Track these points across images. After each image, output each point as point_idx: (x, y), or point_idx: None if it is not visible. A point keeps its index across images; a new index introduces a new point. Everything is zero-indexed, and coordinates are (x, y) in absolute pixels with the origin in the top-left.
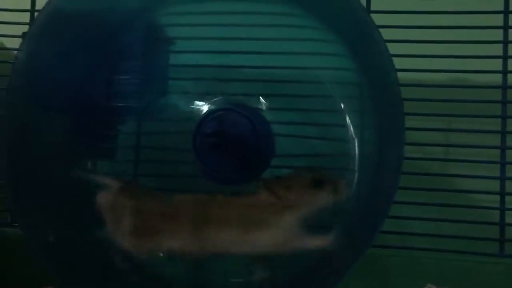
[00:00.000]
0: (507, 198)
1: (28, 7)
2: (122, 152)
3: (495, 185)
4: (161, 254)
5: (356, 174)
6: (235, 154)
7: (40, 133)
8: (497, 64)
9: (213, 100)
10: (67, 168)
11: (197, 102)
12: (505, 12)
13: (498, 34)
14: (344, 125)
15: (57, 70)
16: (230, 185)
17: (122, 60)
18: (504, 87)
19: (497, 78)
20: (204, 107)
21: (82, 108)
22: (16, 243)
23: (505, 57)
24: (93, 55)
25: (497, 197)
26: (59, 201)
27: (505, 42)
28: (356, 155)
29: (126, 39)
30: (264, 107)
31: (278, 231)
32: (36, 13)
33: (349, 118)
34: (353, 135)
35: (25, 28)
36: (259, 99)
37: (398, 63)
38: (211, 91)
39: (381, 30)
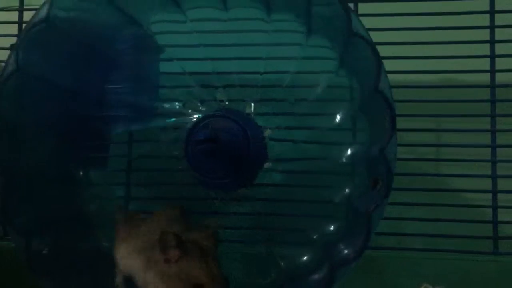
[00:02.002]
0: (499, 196)
1: (16, 19)
2: (114, 161)
3: (487, 184)
4: None
5: (349, 178)
6: (228, 160)
7: (31, 144)
8: (485, 64)
9: (203, 106)
10: (59, 178)
11: (188, 109)
12: (491, 12)
13: (485, 34)
14: (336, 129)
15: (47, 81)
16: (224, 190)
17: (113, 69)
18: (492, 86)
19: (486, 78)
20: (195, 114)
21: (73, 118)
22: (9, 256)
23: (492, 57)
24: (83, 65)
25: (489, 195)
26: (52, 213)
27: (492, 42)
28: (348, 157)
29: (117, 48)
30: (253, 112)
31: None
32: (23, 25)
33: (341, 122)
34: (345, 138)
35: (13, 40)
36: (249, 104)
37: (388, 65)
38: (201, 98)
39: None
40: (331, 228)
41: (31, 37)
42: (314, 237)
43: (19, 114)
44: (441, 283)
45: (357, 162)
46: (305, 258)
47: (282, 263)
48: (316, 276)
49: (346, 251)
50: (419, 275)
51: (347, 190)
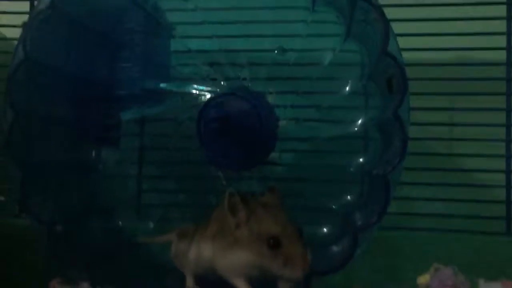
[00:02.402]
0: None
1: None
2: (127, 140)
3: (500, 164)
4: None
5: (361, 157)
6: (239, 139)
7: (43, 123)
8: (501, 41)
9: (215, 85)
10: (72, 157)
11: (200, 88)
12: None
13: (502, 11)
14: (348, 108)
15: (58, 59)
16: (236, 170)
17: (123, 47)
18: (508, 64)
19: (502, 55)
20: (207, 93)
21: (85, 97)
22: (24, 234)
23: (509, 33)
24: (94, 43)
25: (503, 175)
26: (66, 191)
27: (509, 18)
28: (361, 126)
29: (127, 25)
30: (264, 91)
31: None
32: (35, 2)
33: (353, 100)
34: (357, 108)
35: (25, 17)
36: (260, 83)
37: (401, 43)
38: (213, 76)
39: (385, 9)
40: (349, 197)
41: (37, 25)
42: (334, 207)
43: (31, 104)
44: (452, 263)
45: (369, 129)
46: (325, 229)
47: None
48: (339, 245)
49: (366, 216)
50: (430, 255)
51: (361, 159)
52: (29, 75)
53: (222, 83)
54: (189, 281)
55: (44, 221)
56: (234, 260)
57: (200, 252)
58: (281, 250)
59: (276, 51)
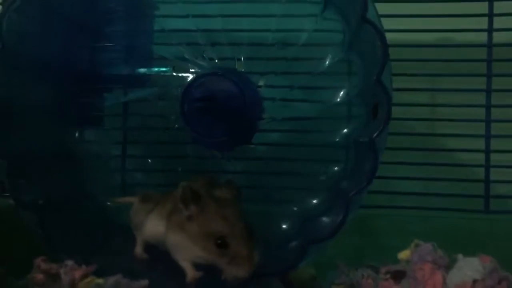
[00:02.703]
0: (492, 155)
1: None
2: (110, 120)
3: (480, 144)
4: None
5: (346, 127)
6: (223, 118)
7: (25, 102)
8: (483, 23)
9: (199, 65)
10: (55, 136)
11: (183, 68)
12: None
13: None
14: (331, 88)
15: (40, 38)
16: (220, 150)
17: (106, 26)
18: (489, 45)
19: (483, 37)
20: (191, 73)
21: (67, 76)
22: (8, 213)
23: (490, 15)
24: (76, 21)
25: (482, 155)
26: (49, 170)
27: (491, 0)
28: (344, 97)
29: (109, 4)
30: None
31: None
32: None
33: (336, 81)
34: (341, 98)
35: None
36: (241, 62)
37: (384, 24)
38: (197, 56)
39: None
40: (336, 168)
41: (14, 10)
42: (321, 178)
43: (11, 93)
44: (431, 240)
45: (353, 102)
46: (315, 201)
47: (295, 208)
48: (329, 215)
49: (355, 184)
50: (410, 233)
51: (346, 129)
52: (6, 64)
53: (206, 62)
54: (138, 248)
55: (30, 205)
56: (182, 248)
57: (155, 224)
58: (228, 250)
59: (276, 46)
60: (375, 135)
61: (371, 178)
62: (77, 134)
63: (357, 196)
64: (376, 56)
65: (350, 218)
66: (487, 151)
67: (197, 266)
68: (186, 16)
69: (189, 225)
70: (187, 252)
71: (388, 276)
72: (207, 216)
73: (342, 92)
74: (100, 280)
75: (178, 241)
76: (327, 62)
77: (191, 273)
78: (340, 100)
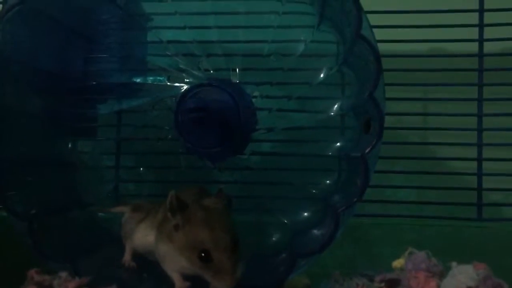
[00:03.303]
0: (484, 164)
1: None
2: (104, 130)
3: (472, 152)
4: None
5: (339, 141)
6: (217, 129)
7: (19, 111)
8: (474, 33)
9: (194, 75)
10: (48, 150)
11: (177, 78)
12: None
13: (475, 3)
14: (326, 99)
15: (35, 47)
16: (213, 160)
17: (99, 36)
18: (480, 55)
19: (474, 47)
20: (185, 83)
21: (61, 86)
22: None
23: (481, 25)
24: (70, 33)
25: (475, 164)
26: (43, 184)
27: (481, 11)
28: (337, 110)
29: (103, 16)
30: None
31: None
32: None
33: (331, 92)
34: (335, 110)
35: None
36: (235, 73)
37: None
38: (192, 66)
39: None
40: (328, 181)
41: (8, 21)
42: (314, 191)
43: (4, 102)
44: (425, 249)
45: (346, 114)
46: (306, 214)
47: (286, 221)
48: (320, 228)
49: (346, 198)
50: (403, 241)
51: (339, 143)
52: (0, 73)
53: (200, 73)
54: (127, 256)
55: (21, 215)
56: (170, 258)
57: (145, 234)
58: (211, 264)
59: (272, 57)
60: (367, 151)
61: (362, 193)
62: (70, 144)
63: (347, 211)
64: (370, 72)
65: (341, 231)
66: (479, 159)
67: (185, 276)
68: (183, 27)
69: (175, 235)
70: (174, 263)
71: (382, 284)
72: (193, 226)
73: (336, 105)
74: None
75: (166, 251)
76: (322, 73)
77: (178, 283)
78: (334, 113)
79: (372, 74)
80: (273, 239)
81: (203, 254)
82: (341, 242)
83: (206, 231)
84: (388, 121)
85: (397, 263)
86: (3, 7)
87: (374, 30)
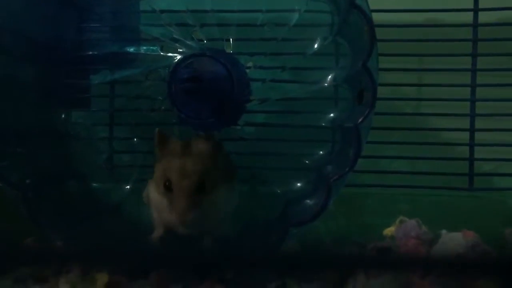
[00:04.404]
0: (476, 134)
1: None
2: (97, 101)
3: (465, 123)
4: None
5: (332, 112)
6: (211, 99)
7: (11, 84)
8: (469, 2)
9: (188, 45)
10: (42, 120)
11: (171, 49)
12: None
13: None
14: (319, 68)
15: (27, 17)
16: (207, 131)
17: (92, 5)
18: (474, 25)
19: (469, 17)
20: (178, 53)
21: (54, 56)
22: None
23: None
24: (62, 2)
25: (467, 134)
26: (36, 149)
27: None
28: (331, 81)
29: None
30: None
31: None
32: None
33: (324, 62)
34: (328, 81)
35: None
36: (229, 43)
37: (372, 3)
38: (185, 36)
39: None
40: (321, 152)
41: None
42: (306, 162)
43: None
44: (417, 217)
45: (340, 85)
46: (299, 184)
47: (279, 191)
48: (313, 198)
49: (338, 168)
50: (396, 211)
51: (332, 114)
52: None
53: (193, 43)
54: (156, 231)
55: (17, 185)
56: (152, 196)
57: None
58: (171, 194)
59: (265, 27)
60: (359, 121)
61: (354, 163)
62: (63, 115)
63: (339, 180)
64: (363, 42)
65: (333, 201)
66: (472, 130)
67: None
68: None
69: (156, 168)
70: (152, 199)
71: (374, 252)
72: (167, 157)
73: (330, 75)
74: None
75: (149, 190)
76: (317, 44)
77: (157, 231)
78: (328, 84)
79: (366, 45)
80: (266, 208)
81: (167, 183)
82: (334, 212)
83: (176, 162)
84: (382, 91)
85: (388, 231)
86: None
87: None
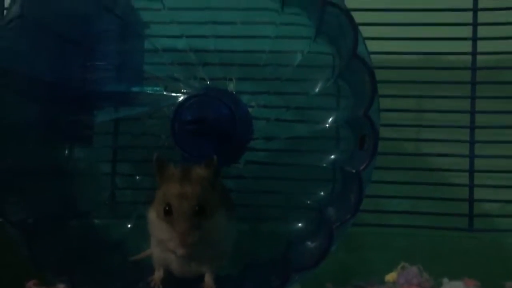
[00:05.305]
0: (476, 175)
1: None
2: (100, 138)
3: (465, 163)
4: None
5: (333, 153)
6: (214, 138)
7: (16, 120)
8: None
9: (190, 85)
10: (45, 153)
11: (175, 87)
12: None
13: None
14: (321, 109)
15: (33, 56)
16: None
17: (97, 45)
18: (473, 68)
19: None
20: (182, 93)
21: (58, 94)
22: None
23: (474, 25)
24: (68, 41)
25: (467, 175)
26: (40, 192)
27: (475, 10)
28: (332, 123)
29: (102, 24)
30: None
31: None
32: (4, 11)
33: (326, 102)
34: (330, 122)
35: None
36: (232, 82)
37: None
38: (188, 76)
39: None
40: (322, 193)
41: (6, 34)
42: (308, 202)
43: (3, 89)
44: (417, 257)
45: (341, 127)
46: (300, 224)
47: (280, 231)
48: (314, 240)
49: (340, 212)
50: (397, 251)
51: (333, 156)
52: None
53: (195, 83)
54: (157, 273)
55: (19, 224)
56: (149, 216)
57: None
58: (171, 218)
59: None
60: (361, 168)
61: (356, 210)
62: (67, 152)
63: (342, 226)
64: (365, 90)
65: (335, 246)
66: (471, 171)
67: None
68: (180, 36)
69: (156, 194)
70: (151, 224)
71: None
72: (167, 183)
73: (331, 116)
74: None
75: (149, 217)
76: (319, 84)
77: (157, 272)
78: (329, 125)
79: (367, 93)
80: (268, 248)
81: (167, 208)
82: (334, 250)
83: (175, 187)
84: (383, 131)
85: (390, 277)
86: (2, 18)
87: (369, 41)
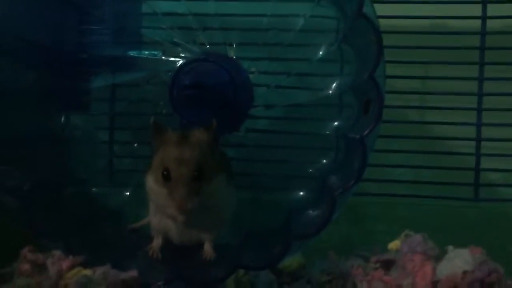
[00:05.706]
0: (483, 144)
1: None
2: (97, 105)
3: (471, 132)
4: None
5: (336, 120)
6: (213, 105)
7: (11, 86)
8: (477, 10)
9: (190, 50)
10: (41, 120)
11: (173, 53)
12: None
13: None
14: (324, 75)
15: (28, 19)
16: None
17: (93, 8)
18: (482, 33)
19: (476, 24)
20: (180, 58)
21: (54, 59)
22: None
23: (484, 2)
24: (63, 5)
25: (473, 143)
26: (35, 154)
27: None
28: (336, 88)
29: None
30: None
31: None
32: None
33: (329, 68)
34: (333, 88)
35: None
36: (232, 48)
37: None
38: (188, 40)
39: None
40: (325, 161)
41: None
42: (310, 171)
43: None
44: (422, 228)
45: (344, 92)
46: (302, 193)
47: (281, 199)
48: (316, 209)
49: (342, 180)
50: (400, 220)
51: (336, 123)
52: None
53: (194, 48)
54: (155, 241)
55: (14, 191)
56: (147, 182)
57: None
58: (170, 183)
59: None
60: (365, 133)
61: (359, 177)
62: (63, 119)
63: (344, 194)
64: (370, 52)
65: (337, 214)
66: (478, 139)
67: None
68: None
69: (153, 159)
70: (149, 190)
71: (377, 265)
72: (165, 147)
73: (335, 83)
74: (87, 271)
75: (147, 181)
76: (322, 50)
77: (156, 241)
78: (332, 91)
79: (373, 55)
80: (268, 217)
81: (165, 172)
82: (336, 220)
83: (173, 150)
84: (387, 98)
85: (393, 245)
86: None
87: (376, 5)
